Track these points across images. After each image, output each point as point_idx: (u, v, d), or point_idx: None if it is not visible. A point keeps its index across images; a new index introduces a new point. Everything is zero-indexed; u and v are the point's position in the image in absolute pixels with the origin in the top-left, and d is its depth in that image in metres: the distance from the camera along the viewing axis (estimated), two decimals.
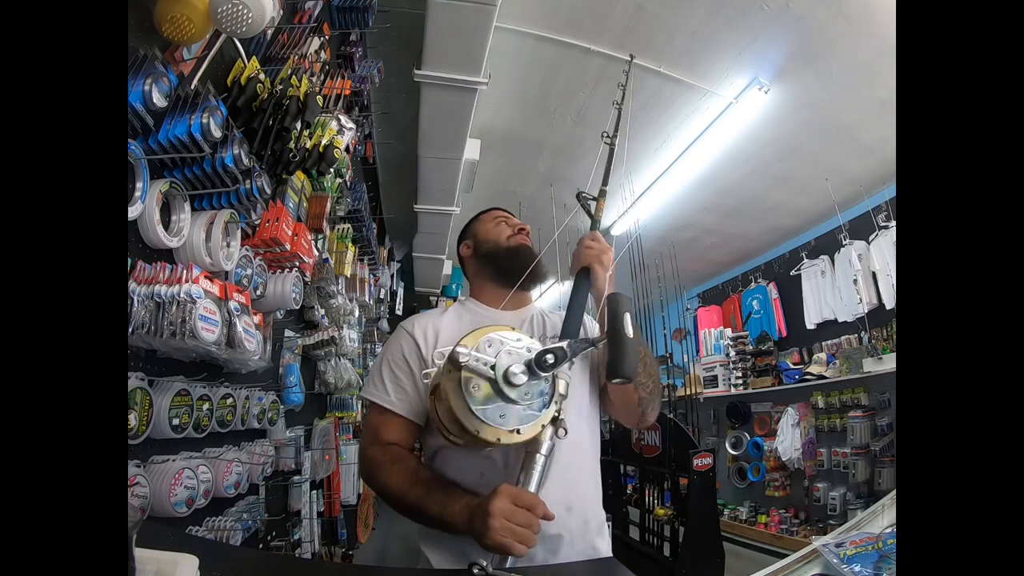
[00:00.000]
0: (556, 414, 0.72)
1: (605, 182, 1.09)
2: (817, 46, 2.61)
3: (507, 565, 0.67)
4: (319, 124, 1.55)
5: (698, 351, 4.99)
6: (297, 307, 1.53)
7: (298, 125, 1.31)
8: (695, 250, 4.92)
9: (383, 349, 1.01)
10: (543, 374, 0.68)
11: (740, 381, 4.37)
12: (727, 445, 4.53)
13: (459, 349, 0.65)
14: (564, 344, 0.69)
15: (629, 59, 1.19)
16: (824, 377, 3.62)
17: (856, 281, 3.59)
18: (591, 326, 1.05)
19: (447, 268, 5.39)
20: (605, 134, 1.12)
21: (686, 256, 4.57)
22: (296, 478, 1.75)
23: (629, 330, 0.74)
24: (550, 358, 0.67)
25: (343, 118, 1.72)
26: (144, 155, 0.87)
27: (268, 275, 1.37)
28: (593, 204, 1.05)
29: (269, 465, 1.46)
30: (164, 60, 0.93)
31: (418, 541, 0.92)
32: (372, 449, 0.92)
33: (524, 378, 0.66)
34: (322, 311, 2.02)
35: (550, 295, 5.66)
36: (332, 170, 1.66)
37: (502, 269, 1.04)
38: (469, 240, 1.13)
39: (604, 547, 0.94)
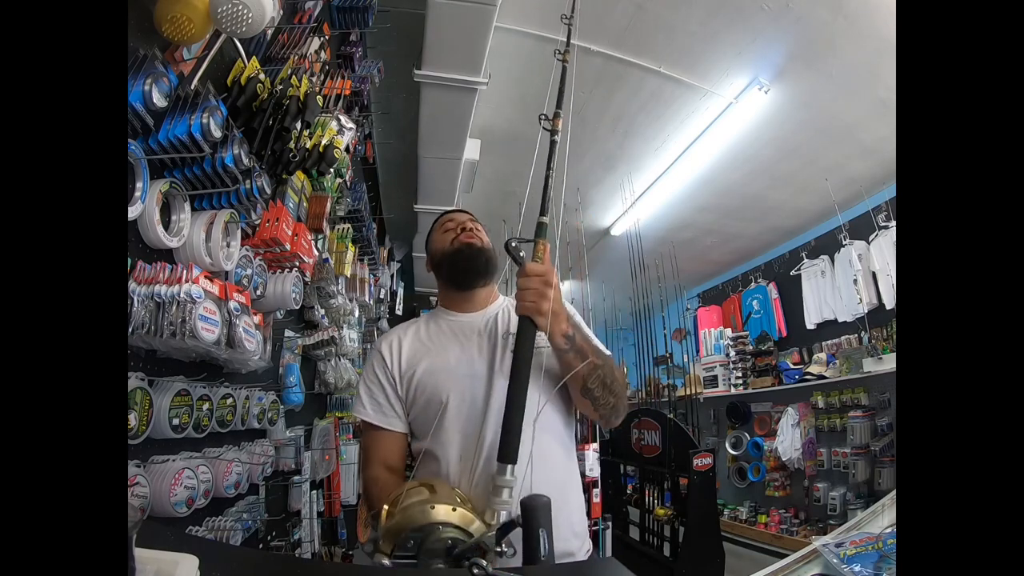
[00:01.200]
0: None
1: (544, 209, 0.87)
2: (817, 46, 2.62)
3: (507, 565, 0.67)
4: (319, 124, 1.55)
5: (698, 351, 4.99)
6: (297, 307, 1.53)
7: (298, 125, 1.31)
8: (695, 250, 4.93)
9: (362, 372, 1.07)
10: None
11: (740, 381, 4.37)
12: (727, 445, 4.53)
13: (382, 561, 0.63)
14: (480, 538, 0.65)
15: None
16: (824, 377, 3.62)
17: (856, 281, 3.59)
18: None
19: None
20: (544, 116, 0.98)
21: (686, 256, 4.57)
22: (296, 478, 1.75)
23: (544, 549, 0.65)
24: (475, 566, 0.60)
25: (343, 118, 1.72)
26: (144, 155, 0.87)
27: (268, 275, 1.37)
28: (526, 249, 0.87)
29: (269, 465, 1.45)
30: (164, 60, 0.93)
31: None
32: (366, 471, 0.99)
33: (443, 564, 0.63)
34: (322, 311, 2.01)
35: None
36: (332, 170, 1.66)
37: (451, 274, 1.08)
38: (428, 256, 1.16)
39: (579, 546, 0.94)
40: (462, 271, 1.05)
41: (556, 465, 0.95)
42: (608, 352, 1.01)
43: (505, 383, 0.83)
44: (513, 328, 0.98)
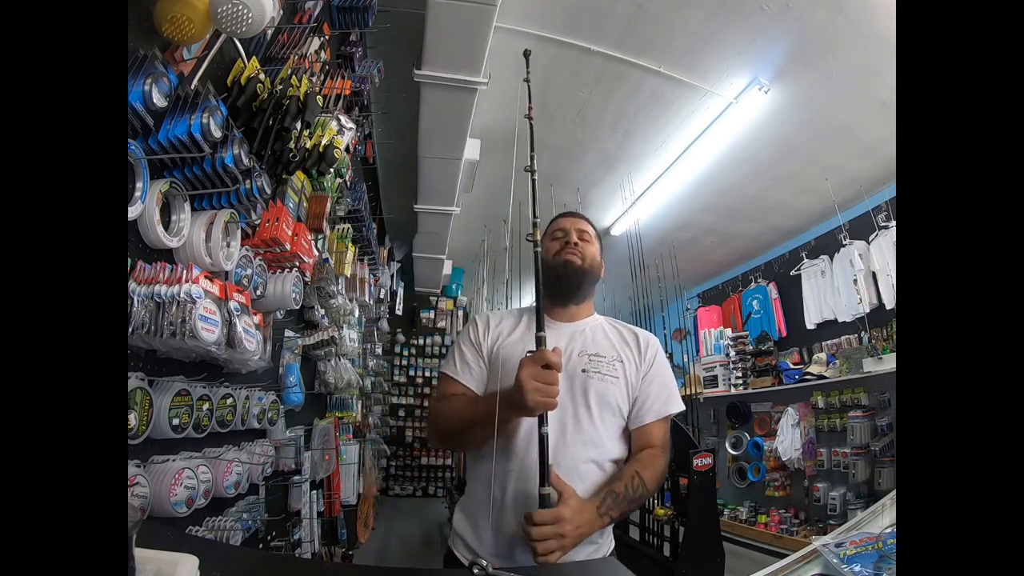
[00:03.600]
0: None
1: (543, 421, 0.88)
2: (817, 46, 2.61)
3: (509, 565, 0.67)
4: (319, 124, 1.54)
5: (698, 351, 4.99)
6: (297, 307, 1.53)
7: (298, 125, 1.31)
8: (695, 250, 4.93)
9: (458, 335, 1.18)
10: None
11: (740, 381, 4.36)
12: (727, 445, 4.53)
13: None
14: None
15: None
16: (824, 377, 3.61)
17: (856, 281, 3.59)
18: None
19: (447, 268, 5.39)
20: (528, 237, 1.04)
21: (686, 256, 4.57)
22: (296, 478, 1.75)
23: None
24: None
25: (343, 118, 1.72)
26: (144, 155, 0.87)
27: (268, 275, 1.37)
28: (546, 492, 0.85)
29: (269, 465, 1.45)
30: (164, 60, 0.93)
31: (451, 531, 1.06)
32: (436, 404, 1.11)
33: None
34: (322, 311, 2.01)
35: None
36: (332, 170, 1.66)
37: (547, 285, 1.10)
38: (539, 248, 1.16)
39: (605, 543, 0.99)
40: (557, 289, 1.11)
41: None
42: (661, 468, 1.02)
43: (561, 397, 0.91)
44: (591, 350, 1.05)
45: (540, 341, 0.90)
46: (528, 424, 0.94)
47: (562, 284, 1.10)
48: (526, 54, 1.37)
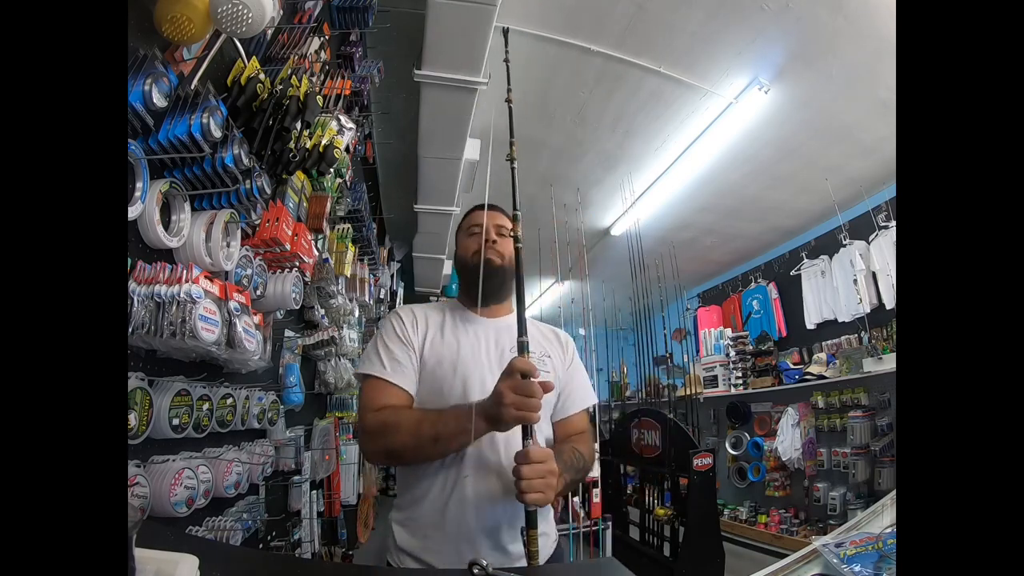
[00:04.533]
0: None
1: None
2: (817, 46, 2.61)
3: (506, 565, 0.67)
4: (319, 124, 1.54)
5: (698, 351, 4.99)
6: (297, 307, 1.53)
7: (298, 125, 1.31)
8: (695, 250, 4.93)
9: (376, 333, 1.07)
10: None
11: (740, 381, 4.37)
12: (727, 445, 4.53)
13: None
14: None
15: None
16: (824, 377, 3.62)
17: (856, 281, 3.59)
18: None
19: (447, 268, 5.38)
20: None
21: (686, 256, 4.57)
22: (296, 478, 1.75)
23: None
24: None
25: (343, 118, 1.72)
26: (144, 155, 0.87)
27: (268, 275, 1.37)
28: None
29: (269, 465, 1.45)
30: (164, 60, 0.93)
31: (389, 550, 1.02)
32: (369, 416, 0.96)
33: None
34: (322, 311, 2.01)
35: (549, 295, 5.66)
36: (332, 170, 1.66)
37: (466, 286, 1.09)
38: (455, 248, 1.16)
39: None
40: (477, 290, 1.03)
41: None
42: (592, 448, 1.07)
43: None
44: (508, 344, 1.02)
45: (522, 347, 0.85)
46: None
47: (484, 285, 1.03)
48: (504, 32, 1.37)
